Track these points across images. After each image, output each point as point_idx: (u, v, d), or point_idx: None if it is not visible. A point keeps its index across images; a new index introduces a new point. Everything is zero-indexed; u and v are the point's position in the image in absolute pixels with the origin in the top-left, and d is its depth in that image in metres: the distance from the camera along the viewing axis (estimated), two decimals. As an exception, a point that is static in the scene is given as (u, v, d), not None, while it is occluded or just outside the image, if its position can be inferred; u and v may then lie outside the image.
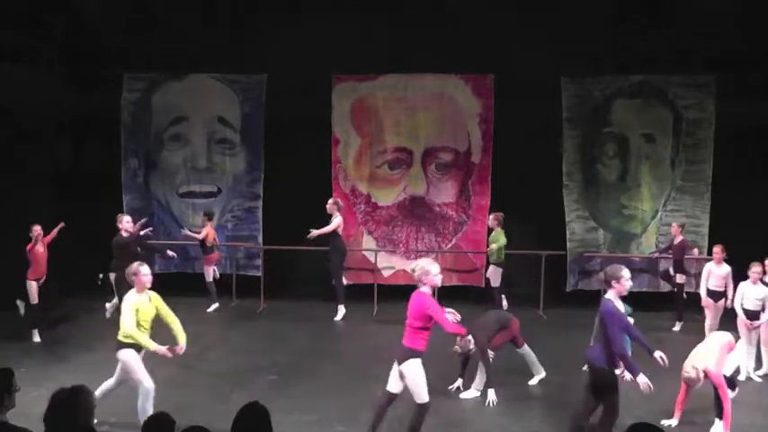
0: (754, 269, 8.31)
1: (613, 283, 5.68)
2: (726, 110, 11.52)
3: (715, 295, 9.16)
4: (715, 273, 9.25)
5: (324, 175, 12.30)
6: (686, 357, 6.77)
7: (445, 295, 11.70)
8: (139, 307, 6.39)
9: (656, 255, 11.74)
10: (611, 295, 5.70)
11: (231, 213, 12.59)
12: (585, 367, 8.35)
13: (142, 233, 9.94)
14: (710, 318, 9.15)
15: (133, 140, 12.58)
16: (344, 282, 11.33)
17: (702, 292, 9.32)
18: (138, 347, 6.41)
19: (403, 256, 12.40)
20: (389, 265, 12.41)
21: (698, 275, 10.15)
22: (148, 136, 12.60)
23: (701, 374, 6.44)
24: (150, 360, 8.84)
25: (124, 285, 9.20)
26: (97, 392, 6.20)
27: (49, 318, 9.98)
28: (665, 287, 11.72)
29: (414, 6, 11.77)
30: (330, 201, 11.22)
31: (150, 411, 6.11)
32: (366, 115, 12.34)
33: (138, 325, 6.36)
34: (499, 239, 10.94)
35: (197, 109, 12.53)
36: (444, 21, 11.80)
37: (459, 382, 7.79)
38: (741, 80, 11.52)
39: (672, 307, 10.97)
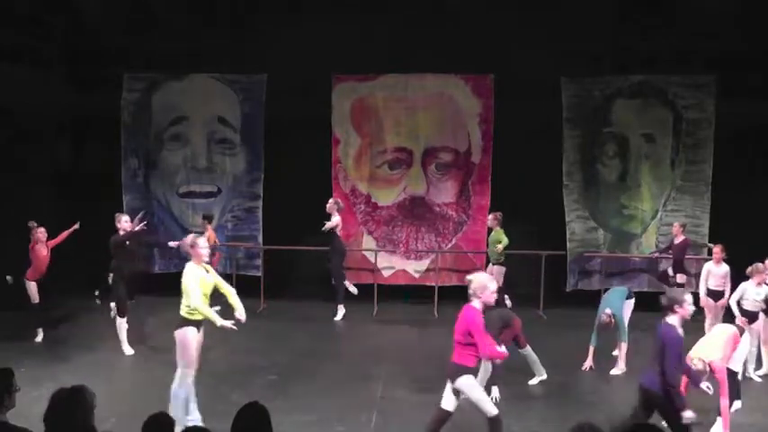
0: (760, 273, 8.24)
1: (676, 307, 5.48)
2: (726, 110, 11.52)
3: (714, 295, 9.15)
4: (714, 272, 9.25)
5: (324, 175, 12.30)
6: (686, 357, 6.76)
7: (445, 295, 11.76)
8: (200, 280, 6.26)
9: (656, 255, 11.74)
10: (674, 321, 5.48)
11: (231, 213, 12.59)
12: (587, 367, 8.41)
13: (138, 228, 9.85)
14: (710, 318, 9.14)
15: (133, 140, 12.57)
16: (353, 289, 11.29)
17: (702, 292, 9.32)
18: (198, 325, 6.29)
19: (403, 256, 12.41)
20: (389, 265, 12.41)
21: (697, 275, 10.15)
22: (148, 136, 12.59)
23: (707, 367, 6.43)
24: (150, 360, 8.87)
25: (121, 285, 9.24)
26: (173, 409, 6.08)
27: (49, 317, 9.96)
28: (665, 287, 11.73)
29: (414, 6, 11.78)
30: (330, 200, 11.22)
31: (182, 397, 6.16)
32: (366, 115, 12.34)
33: (203, 296, 6.26)
34: (501, 239, 10.95)
35: (197, 109, 12.52)
36: (444, 21, 11.81)
37: None
38: (741, 80, 11.53)
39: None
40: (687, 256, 11.04)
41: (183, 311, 6.30)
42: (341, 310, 11.16)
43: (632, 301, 8.69)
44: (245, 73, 12.32)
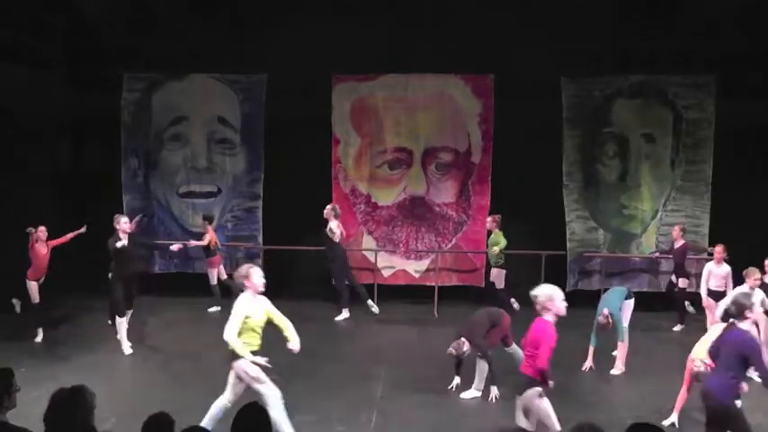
0: (755, 276, 8.19)
1: (747, 313, 5.49)
2: (726, 110, 11.52)
3: (716, 295, 9.13)
4: (715, 273, 9.25)
5: (324, 175, 12.30)
6: (687, 357, 6.76)
7: (445, 295, 11.76)
8: (251, 313, 6.07)
9: (657, 255, 11.74)
10: (746, 326, 5.50)
11: (231, 213, 12.58)
12: (585, 367, 8.41)
13: (132, 229, 9.73)
14: (712, 318, 9.14)
15: (133, 140, 12.57)
16: (375, 309, 11.27)
17: (703, 293, 9.31)
18: (254, 354, 6.10)
19: (403, 256, 12.41)
20: (389, 264, 12.40)
21: (698, 276, 10.15)
22: (148, 136, 12.59)
23: (708, 369, 6.42)
24: (150, 360, 8.87)
25: (118, 287, 9.21)
26: (207, 419, 5.97)
27: (48, 318, 9.96)
28: (665, 287, 11.74)
29: (414, 6, 11.77)
30: (328, 207, 11.19)
31: (284, 419, 5.95)
32: (366, 115, 12.34)
33: (251, 330, 6.08)
34: (500, 241, 10.94)
35: (197, 109, 12.52)
36: (444, 21, 11.80)
37: (457, 380, 7.79)
38: (741, 80, 11.52)
39: (672, 307, 10.97)
40: (688, 257, 11.04)
41: (239, 345, 6.06)
42: (345, 313, 11.17)
43: (632, 301, 8.63)
44: (245, 73, 12.31)
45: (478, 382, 7.63)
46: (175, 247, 11.01)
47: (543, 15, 11.47)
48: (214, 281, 11.55)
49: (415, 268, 12.44)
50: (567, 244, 12.03)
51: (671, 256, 11.13)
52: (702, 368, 6.43)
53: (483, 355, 7.52)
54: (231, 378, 6.13)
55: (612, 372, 8.35)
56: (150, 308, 10.96)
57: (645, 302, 10.70)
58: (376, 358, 8.98)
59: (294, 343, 6.38)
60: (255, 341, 6.13)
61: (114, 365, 8.72)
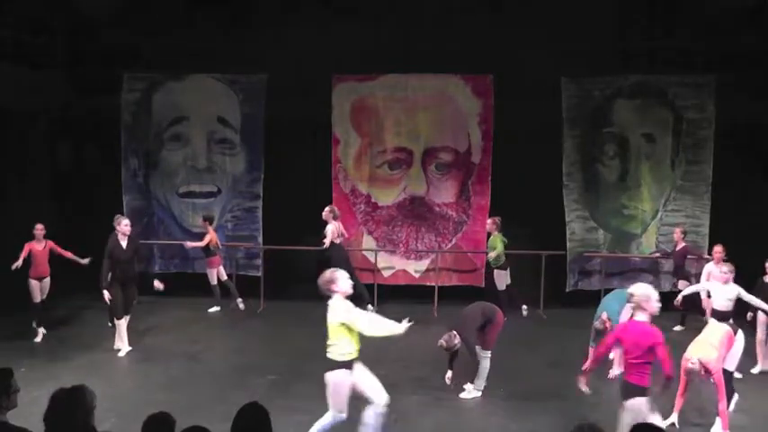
0: (725, 269, 8.20)
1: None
2: (726, 110, 11.52)
3: None
4: (715, 273, 9.23)
5: (324, 175, 12.30)
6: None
7: (445, 295, 11.76)
8: (345, 318, 5.95)
9: (657, 255, 11.74)
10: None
11: (231, 213, 12.58)
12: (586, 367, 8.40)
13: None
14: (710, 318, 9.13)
15: (133, 140, 12.56)
16: (360, 284, 11.27)
17: (703, 293, 9.29)
18: (350, 366, 5.98)
19: (403, 256, 12.41)
20: (389, 265, 12.41)
21: (698, 275, 10.14)
22: (148, 136, 12.59)
23: (703, 369, 6.44)
24: (150, 360, 8.87)
25: (117, 288, 9.16)
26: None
27: (49, 317, 9.96)
28: (665, 287, 11.74)
29: (414, 6, 11.78)
30: (327, 208, 11.17)
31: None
32: (366, 115, 12.34)
33: (350, 335, 5.94)
34: (497, 245, 10.94)
35: (197, 109, 12.52)
36: (444, 21, 11.81)
37: (450, 374, 7.73)
38: (741, 80, 11.51)
39: (672, 307, 10.96)
40: (688, 257, 11.04)
41: (334, 354, 5.92)
42: None
43: (630, 306, 8.55)
44: (245, 73, 12.31)
45: (479, 381, 7.63)
46: (191, 244, 11.29)
47: (543, 15, 11.48)
48: (214, 281, 11.55)
49: (415, 268, 12.44)
50: (567, 244, 12.03)
51: (671, 258, 11.13)
52: (697, 367, 6.44)
53: (470, 351, 7.48)
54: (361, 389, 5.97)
55: (610, 375, 8.28)
56: (150, 308, 10.96)
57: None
58: (376, 358, 8.94)
59: (402, 325, 6.21)
60: (350, 348, 5.98)
61: (114, 365, 8.71)
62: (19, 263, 9.45)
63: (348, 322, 5.91)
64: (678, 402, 6.77)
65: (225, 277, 11.71)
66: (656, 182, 12.02)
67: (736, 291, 8.09)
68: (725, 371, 6.69)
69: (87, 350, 9.11)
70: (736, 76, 11.48)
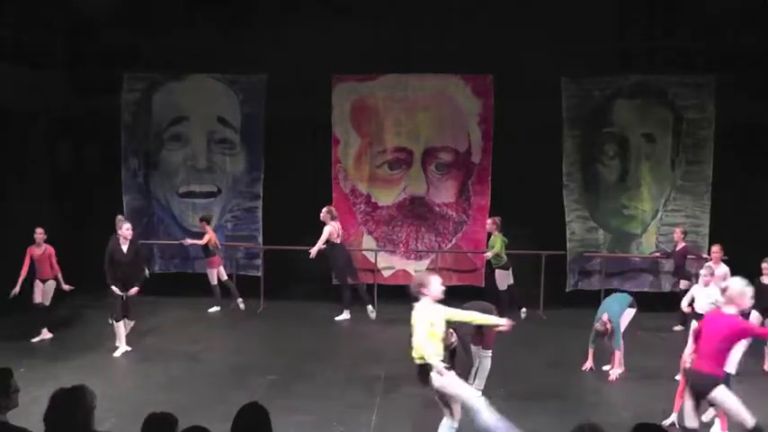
0: (705, 272, 8.12)
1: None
2: (726, 110, 11.52)
3: None
4: (714, 273, 9.22)
5: (324, 175, 12.30)
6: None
7: (445, 295, 11.71)
8: (435, 322, 5.71)
9: (657, 255, 11.74)
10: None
11: (231, 213, 12.58)
12: (586, 368, 8.40)
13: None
14: None
15: (133, 140, 12.56)
16: (355, 282, 11.31)
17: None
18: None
19: (403, 256, 12.41)
20: (389, 265, 12.41)
21: (698, 276, 10.12)
22: (148, 136, 12.58)
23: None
24: (150, 360, 8.87)
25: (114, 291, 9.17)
26: None
27: (50, 318, 9.93)
28: (665, 287, 11.74)
29: (414, 6, 11.78)
30: (324, 209, 11.08)
31: (494, 421, 5.49)
32: (366, 115, 12.34)
33: (435, 340, 5.70)
34: (495, 245, 10.94)
35: (197, 109, 12.51)
36: (444, 21, 11.81)
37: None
38: (741, 80, 11.51)
39: (672, 307, 10.96)
40: (689, 257, 11.04)
41: (427, 357, 5.62)
42: (345, 314, 11.17)
43: (634, 310, 8.44)
44: (245, 73, 12.31)
45: (479, 381, 7.61)
46: (188, 242, 11.38)
47: (543, 15, 11.48)
48: (214, 281, 11.55)
49: (415, 268, 12.42)
50: (567, 244, 12.02)
51: (671, 258, 11.12)
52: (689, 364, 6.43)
53: (465, 349, 7.47)
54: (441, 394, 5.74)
55: (610, 377, 8.27)
56: (150, 308, 10.96)
57: (645, 302, 10.71)
58: (376, 358, 8.98)
59: (502, 324, 6.16)
60: (440, 351, 5.72)
61: (114, 365, 8.71)
62: (23, 273, 9.48)
63: (447, 316, 5.82)
64: (677, 402, 6.76)
65: (225, 277, 11.71)
66: (656, 182, 12.02)
67: (716, 295, 8.01)
68: (726, 373, 6.67)
69: (87, 350, 9.11)
70: (736, 76, 11.48)
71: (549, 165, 11.76)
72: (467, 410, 5.62)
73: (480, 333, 7.57)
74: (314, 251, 10.88)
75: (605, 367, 8.33)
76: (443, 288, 5.88)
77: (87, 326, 10.46)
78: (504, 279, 11.13)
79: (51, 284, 9.72)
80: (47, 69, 12.30)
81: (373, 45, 11.67)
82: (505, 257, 11.12)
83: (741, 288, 5.48)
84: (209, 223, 11.67)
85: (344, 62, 11.96)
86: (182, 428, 3.59)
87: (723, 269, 9.21)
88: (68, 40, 12.70)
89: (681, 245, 10.92)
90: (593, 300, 10.51)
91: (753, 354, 8.42)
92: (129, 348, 9.12)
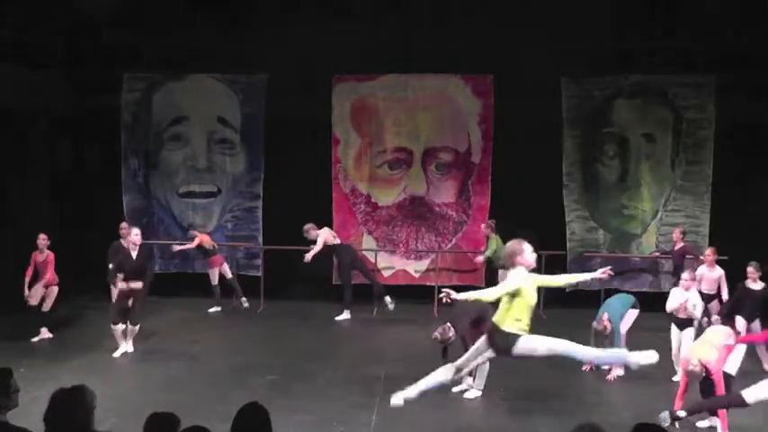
0: (686, 276, 8.03)
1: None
2: (726, 110, 11.52)
3: (708, 298, 8.94)
4: (707, 276, 9.14)
5: (324, 175, 12.30)
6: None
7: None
8: (525, 288, 5.66)
9: (657, 255, 11.74)
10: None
11: (231, 213, 12.58)
12: (586, 368, 8.40)
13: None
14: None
15: (133, 140, 12.56)
16: (369, 279, 11.36)
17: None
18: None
19: (403, 256, 12.41)
20: (389, 265, 12.41)
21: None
22: (148, 136, 12.59)
23: (703, 369, 6.43)
24: (150, 361, 8.86)
25: (115, 294, 9.14)
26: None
27: (49, 318, 9.91)
28: (665, 287, 11.73)
29: (414, 6, 11.78)
30: (307, 226, 11.02)
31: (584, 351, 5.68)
32: (366, 115, 12.34)
33: (524, 308, 5.63)
34: (491, 246, 10.96)
35: (197, 109, 12.52)
36: (445, 21, 11.81)
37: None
38: (741, 80, 11.51)
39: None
40: (687, 257, 11.03)
41: (506, 324, 5.64)
42: (346, 314, 11.17)
43: (637, 311, 8.40)
44: (245, 73, 12.31)
45: (479, 381, 7.61)
46: (177, 248, 11.21)
47: (543, 15, 11.48)
48: (215, 281, 11.55)
49: (415, 268, 12.44)
50: (567, 244, 12.03)
51: (670, 257, 11.12)
52: (698, 369, 6.43)
53: (463, 345, 7.46)
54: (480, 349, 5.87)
55: (609, 377, 8.26)
56: (150, 308, 10.91)
57: (645, 302, 10.69)
58: (376, 358, 8.98)
59: (590, 275, 6.31)
60: (526, 320, 5.67)
61: (114, 365, 8.70)
62: (27, 277, 9.45)
63: (539, 282, 5.94)
64: (678, 404, 6.76)
65: (230, 275, 11.67)
66: (656, 182, 12.02)
67: (696, 299, 7.92)
68: (727, 375, 6.67)
69: (87, 350, 9.10)
70: (736, 76, 11.48)
71: (549, 165, 11.77)
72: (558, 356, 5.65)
73: (476, 331, 7.55)
74: (309, 256, 10.89)
75: (605, 366, 8.32)
76: (535, 256, 5.94)
77: (87, 326, 10.45)
78: (504, 277, 11.12)
79: (53, 290, 9.69)
80: (47, 69, 12.29)
81: (373, 45, 11.67)
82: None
83: None
84: (195, 228, 11.76)
85: (344, 62, 11.96)
86: (182, 429, 3.58)
87: (718, 272, 9.17)
88: (68, 40, 12.70)
89: (679, 244, 10.91)
90: (593, 300, 10.51)
91: (753, 354, 8.43)
92: (131, 350, 9.09)
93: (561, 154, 11.96)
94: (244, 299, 11.68)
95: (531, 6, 11.52)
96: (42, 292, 9.60)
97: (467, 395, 7.64)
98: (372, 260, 12.23)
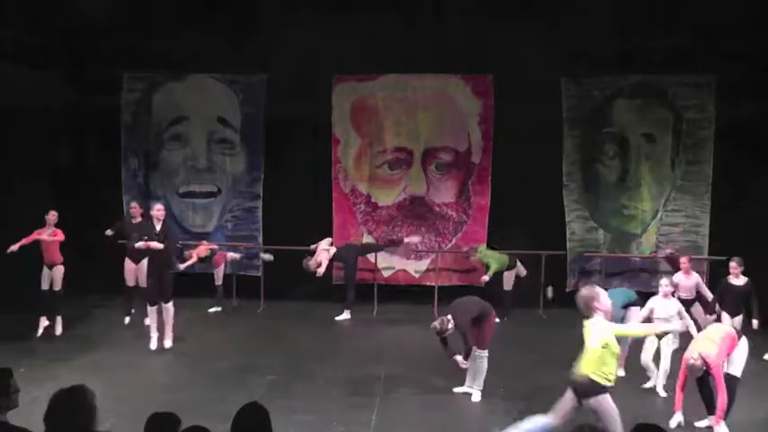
0: (665, 282, 8.01)
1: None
2: (726, 110, 11.52)
3: (685, 304, 8.62)
4: (683, 284, 9.06)
5: (324, 175, 12.30)
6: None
7: (445, 295, 11.74)
8: (609, 340, 5.53)
9: (657, 255, 11.74)
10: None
11: (231, 213, 12.58)
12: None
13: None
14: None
15: (133, 140, 12.57)
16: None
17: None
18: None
19: (403, 256, 12.40)
20: (389, 265, 12.40)
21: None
22: (148, 136, 12.59)
23: (704, 363, 6.44)
24: (151, 360, 8.87)
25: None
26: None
27: (58, 309, 9.87)
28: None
29: (414, 6, 11.77)
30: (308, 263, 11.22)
31: None
32: (366, 115, 12.34)
33: (611, 359, 5.57)
34: (488, 263, 11.02)
35: (197, 109, 12.52)
36: (444, 21, 11.80)
37: (460, 357, 7.60)
38: (741, 80, 11.51)
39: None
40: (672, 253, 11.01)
41: (598, 376, 5.54)
42: (346, 314, 11.17)
43: (638, 309, 8.30)
44: (245, 73, 12.31)
45: (478, 381, 7.61)
46: (181, 267, 10.66)
47: (543, 15, 11.47)
48: (219, 281, 11.56)
49: (415, 268, 12.44)
50: (567, 244, 12.03)
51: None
52: (699, 363, 6.44)
53: (463, 339, 7.46)
54: (569, 403, 5.77)
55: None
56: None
57: (645, 303, 10.70)
58: (376, 358, 8.98)
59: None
60: (613, 371, 5.62)
61: (114, 365, 8.71)
62: (15, 247, 9.35)
63: (618, 333, 5.78)
64: (678, 397, 6.77)
65: (220, 276, 11.64)
66: (656, 182, 12.02)
67: (676, 307, 7.87)
68: (731, 376, 6.67)
69: (88, 350, 9.11)
70: (736, 76, 11.48)
71: (549, 165, 11.77)
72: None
73: (476, 330, 7.55)
74: (321, 271, 11.07)
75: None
76: (611, 300, 5.85)
77: (88, 326, 10.45)
78: (510, 279, 11.15)
79: (59, 270, 9.66)
80: (47, 69, 12.28)
81: (373, 45, 11.65)
82: (506, 258, 11.13)
83: None
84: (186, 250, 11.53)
85: (344, 62, 11.96)
86: (182, 429, 3.58)
87: (694, 279, 9.14)
88: (68, 40, 12.68)
89: (668, 251, 10.89)
90: (592, 300, 10.48)
91: (753, 354, 8.42)
92: (168, 344, 9.11)
93: (561, 154, 11.96)
94: (219, 308, 11.57)
95: (531, 6, 11.51)
96: (49, 275, 9.58)
97: (468, 393, 7.65)
98: (372, 260, 12.22)
